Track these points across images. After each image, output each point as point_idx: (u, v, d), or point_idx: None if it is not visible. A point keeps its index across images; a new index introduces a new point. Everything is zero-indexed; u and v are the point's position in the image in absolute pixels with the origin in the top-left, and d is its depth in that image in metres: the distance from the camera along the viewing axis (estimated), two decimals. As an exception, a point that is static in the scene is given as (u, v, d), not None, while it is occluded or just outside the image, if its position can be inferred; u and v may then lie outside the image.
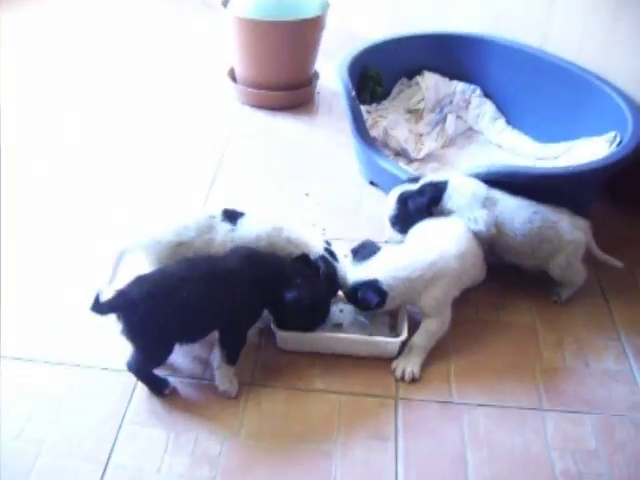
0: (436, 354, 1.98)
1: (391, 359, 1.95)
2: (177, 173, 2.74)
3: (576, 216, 2.15)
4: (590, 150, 2.44)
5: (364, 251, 2.00)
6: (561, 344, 2.08)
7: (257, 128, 3.06)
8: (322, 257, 1.95)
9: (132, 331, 1.73)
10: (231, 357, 1.85)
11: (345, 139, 2.89)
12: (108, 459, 1.68)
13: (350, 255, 2.04)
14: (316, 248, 1.98)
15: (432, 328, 1.95)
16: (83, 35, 3.88)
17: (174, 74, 3.51)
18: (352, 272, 1.97)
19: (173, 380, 1.87)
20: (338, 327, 2.02)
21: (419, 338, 1.94)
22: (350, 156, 2.80)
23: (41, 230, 2.39)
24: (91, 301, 1.69)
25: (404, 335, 1.93)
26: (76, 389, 1.84)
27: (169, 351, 1.81)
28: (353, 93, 2.52)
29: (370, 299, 1.90)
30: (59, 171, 2.73)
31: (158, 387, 1.83)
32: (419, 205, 2.12)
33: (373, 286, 1.89)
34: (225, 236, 1.96)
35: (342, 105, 2.61)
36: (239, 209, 2.03)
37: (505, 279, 2.22)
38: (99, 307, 1.70)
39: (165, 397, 1.81)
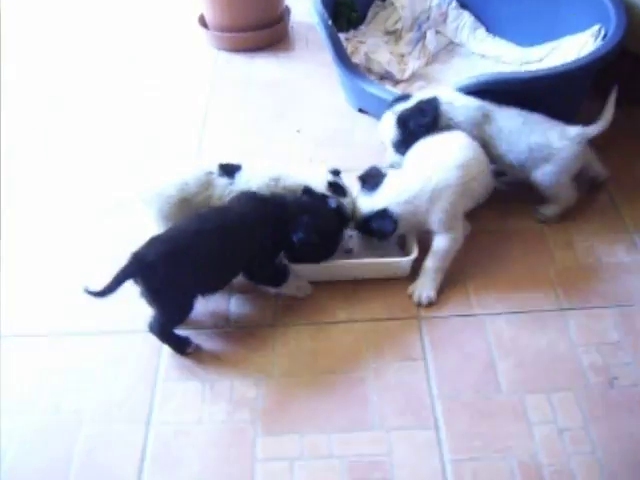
0: (450, 269, 1.99)
1: (407, 278, 1.98)
2: (164, 128, 2.68)
3: (568, 127, 2.09)
4: (576, 47, 2.42)
5: (371, 178, 1.99)
6: (571, 244, 2.10)
7: (237, 72, 2.99)
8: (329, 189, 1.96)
9: (153, 293, 1.73)
10: (277, 282, 1.91)
11: (327, 70, 2.85)
12: (149, 417, 1.71)
13: (358, 183, 2.03)
14: (317, 184, 1.97)
15: (442, 246, 1.92)
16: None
17: (143, 28, 3.40)
18: (361, 203, 1.97)
19: (197, 333, 1.89)
20: (349, 253, 2.04)
21: (430, 260, 1.94)
22: (335, 87, 2.76)
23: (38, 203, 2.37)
24: (91, 295, 1.66)
25: (414, 253, 1.95)
26: (105, 356, 1.85)
27: (191, 307, 1.82)
28: (330, 21, 2.46)
29: (385, 228, 1.90)
30: (42, 131, 2.69)
31: (182, 346, 1.83)
32: (425, 123, 2.06)
33: (384, 215, 1.90)
34: (223, 191, 1.95)
35: (319, 37, 2.56)
36: (235, 162, 2.01)
37: (509, 187, 2.23)
38: (104, 290, 1.66)
39: (189, 355, 1.83)
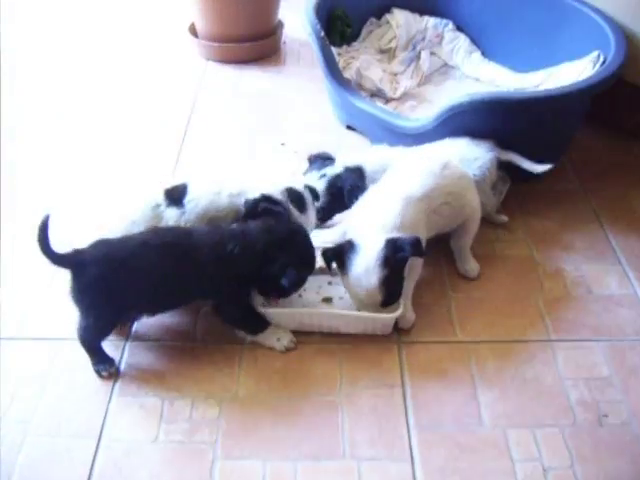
0: (434, 293, 1.90)
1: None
2: (145, 136, 2.58)
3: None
4: (574, 73, 2.34)
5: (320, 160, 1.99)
6: (561, 273, 2.01)
7: (224, 83, 2.91)
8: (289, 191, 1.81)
9: (79, 293, 1.61)
10: (253, 330, 1.75)
11: (316, 86, 2.78)
12: (100, 433, 1.57)
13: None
14: (256, 190, 1.78)
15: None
16: None
17: (132, 35, 3.32)
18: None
19: (159, 346, 1.77)
20: (328, 301, 1.87)
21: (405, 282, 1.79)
22: (324, 103, 2.68)
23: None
24: (38, 232, 1.54)
25: (400, 310, 1.74)
26: (60, 363, 1.72)
27: (114, 323, 1.70)
28: (322, 33, 2.39)
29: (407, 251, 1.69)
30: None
31: (100, 363, 1.67)
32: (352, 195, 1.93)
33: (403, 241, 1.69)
34: (177, 221, 1.77)
35: (311, 54, 2.51)
36: (179, 183, 1.83)
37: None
38: (51, 251, 1.56)
39: (102, 378, 1.67)
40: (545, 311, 1.88)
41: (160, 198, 1.78)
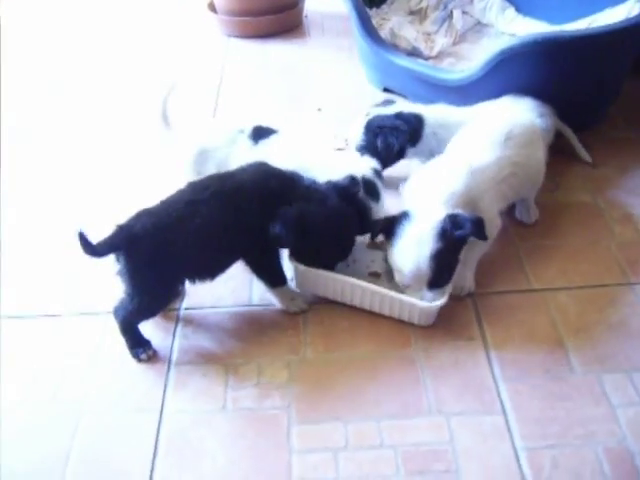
0: (500, 242, 1.76)
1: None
2: (175, 117, 2.46)
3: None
4: (620, 16, 2.23)
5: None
6: (629, 217, 1.90)
7: (250, 57, 2.80)
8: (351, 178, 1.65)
9: (133, 271, 1.47)
10: (273, 281, 1.63)
11: (345, 54, 2.70)
12: (162, 406, 1.45)
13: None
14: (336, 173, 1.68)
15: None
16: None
17: (151, 17, 3.21)
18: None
19: (215, 313, 1.66)
20: (374, 276, 1.71)
21: (473, 252, 1.65)
22: (355, 69, 2.58)
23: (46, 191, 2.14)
24: (80, 244, 1.42)
25: (443, 300, 1.54)
26: (109, 338, 1.60)
27: (169, 298, 1.59)
28: (355, -10, 2.28)
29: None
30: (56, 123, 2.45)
31: (139, 346, 1.55)
32: (388, 145, 1.86)
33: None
34: (243, 153, 1.74)
35: (335, 24, 2.51)
36: (273, 127, 1.82)
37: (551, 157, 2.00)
38: (93, 248, 1.43)
39: (140, 361, 1.55)
40: (620, 255, 1.77)
41: (249, 128, 1.79)
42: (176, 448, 1.37)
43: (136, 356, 1.55)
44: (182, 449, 1.37)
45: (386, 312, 1.60)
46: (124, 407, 1.46)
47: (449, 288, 1.56)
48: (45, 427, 1.43)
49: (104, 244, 1.45)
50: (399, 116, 1.90)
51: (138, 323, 1.56)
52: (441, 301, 1.53)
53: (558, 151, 2.04)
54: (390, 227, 1.54)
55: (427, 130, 1.90)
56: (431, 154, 1.89)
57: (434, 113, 1.94)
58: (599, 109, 2.23)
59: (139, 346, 1.56)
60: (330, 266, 1.62)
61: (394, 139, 1.88)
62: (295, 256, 1.61)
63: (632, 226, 1.86)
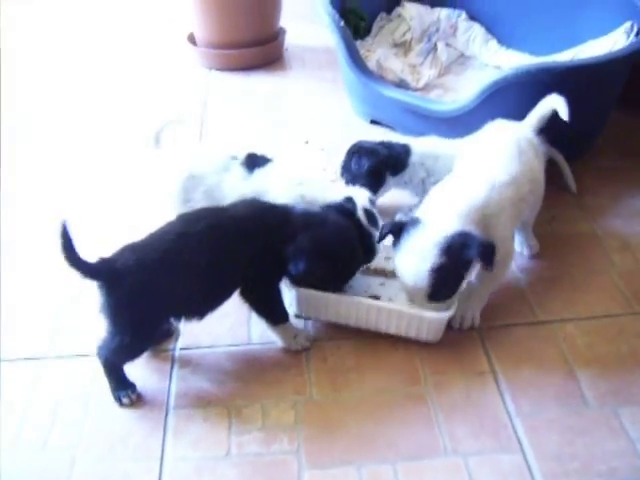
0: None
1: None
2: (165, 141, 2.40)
3: None
4: (606, 46, 2.25)
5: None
6: (628, 246, 1.88)
7: (231, 90, 2.75)
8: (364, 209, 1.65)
9: (115, 308, 1.39)
10: (275, 318, 1.56)
11: (330, 86, 2.69)
12: (162, 454, 1.37)
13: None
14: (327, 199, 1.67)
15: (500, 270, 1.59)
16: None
17: (130, 48, 3.15)
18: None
19: (213, 352, 1.58)
20: (374, 299, 1.65)
21: (484, 283, 1.62)
22: (341, 101, 2.56)
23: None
24: (59, 240, 1.31)
25: (451, 312, 1.52)
26: (102, 380, 1.49)
27: (153, 337, 1.50)
28: (342, 23, 2.26)
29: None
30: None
31: (121, 389, 1.46)
32: (360, 166, 1.87)
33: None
34: (236, 182, 1.70)
35: (316, 56, 2.57)
36: (268, 156, 1.77)
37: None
38: (79, 261, 1.33)
39: (122, 405, 1.46)
40: (622, 284, 1.75)
41: (242, 155, 1.73)
42: (180, 499, 1.29)
43: (118, 399, 1.46)
44: (186, 500, 1.29)
45: (392, 330, 1.56)
46: (120, 456, 1.37)
47: (455, 303, 1.52)
48: (35, 478, 1.33)
49: (91, 267, 1.36)
50: (382, 143, 1.90)
51: (122, 364, 1.47)
52: (448, 313, 1.50)
53: (548, 181, 2.03)
54: (398, 232, 1.51)
55: (414, 159, 1.88)
56: (423, 184, 1.88)
57: (423, 143, 1.92)
58: (589, 138, 2.24)
59: (122, 389, 1.47)
60: (339, 286, 1.58)
61: (366, 160, 1.87)
62: (299, 283, 1.56)
63: (631, 255, 1.85)
